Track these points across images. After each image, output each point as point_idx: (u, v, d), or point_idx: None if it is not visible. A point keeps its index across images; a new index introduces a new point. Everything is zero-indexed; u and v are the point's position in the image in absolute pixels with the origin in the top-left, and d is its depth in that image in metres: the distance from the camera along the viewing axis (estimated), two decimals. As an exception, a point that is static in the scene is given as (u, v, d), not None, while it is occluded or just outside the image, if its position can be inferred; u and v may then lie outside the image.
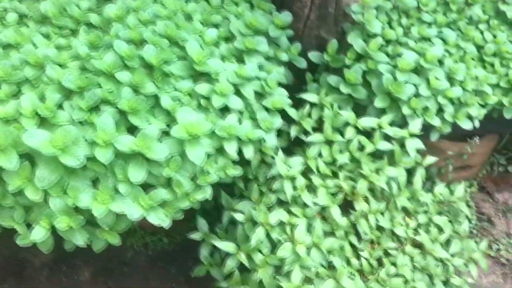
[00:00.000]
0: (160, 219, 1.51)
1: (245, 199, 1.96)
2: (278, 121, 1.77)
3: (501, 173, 2.74)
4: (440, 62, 2.10)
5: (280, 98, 1.79)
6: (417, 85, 2.00)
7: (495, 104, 2.16)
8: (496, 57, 2.24)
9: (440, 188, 2.09)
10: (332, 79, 2.09)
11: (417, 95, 2.00)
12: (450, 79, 2.09)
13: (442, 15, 2.25)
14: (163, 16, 1.81)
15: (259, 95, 1.82)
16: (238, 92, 1.73)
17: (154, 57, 1.61)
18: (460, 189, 2.10)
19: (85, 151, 1.41)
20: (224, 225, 1.99)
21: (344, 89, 2.04)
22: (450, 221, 2.07)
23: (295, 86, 2.20)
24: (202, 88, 1.64)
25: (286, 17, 2.08)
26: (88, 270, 2.34)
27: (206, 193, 1.62)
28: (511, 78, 2.16)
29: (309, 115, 2.05)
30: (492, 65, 2.21)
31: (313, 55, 2.18)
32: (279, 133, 2.09)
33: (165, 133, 1.56)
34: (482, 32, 2.29)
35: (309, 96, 2.05)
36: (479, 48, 2.26)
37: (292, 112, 1.99)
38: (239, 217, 1.89)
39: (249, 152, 1.69)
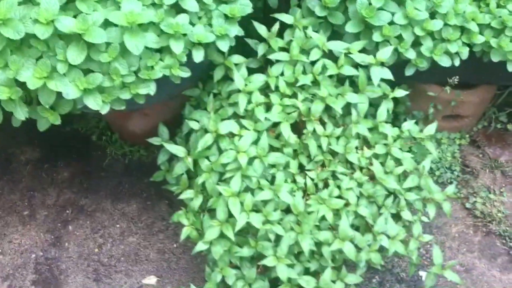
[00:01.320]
0: (97, 104, 1.58)
1: (205, 111, 2.00)
2: (234, 29, 1.77)
3: (498, 130, 2.61)
4: (426, -6, 2.00)
5: (241, 6, 1.78)
6: (393, 13, 1.93)
7: (482, 44, 2.05)
8: (495, -3, 2.11)
9: (408, 124, 2.02)
10: (311, 2, 2.05)
11: (392, 23, 1.93)
12: (433, 13, 1.99)
13: None
14: None
15: (223, 3, 1.81)
16: (197, -4, 1.74)
17: (113, -49, 1.64)
18: (431, 127, 2.02)
19: (27, 28, 1.48)
20: (183, 134, 2.04)
21: (319, 12, 2.00)
22: (415, 160, 2.01)
23: (281, 10, 2.18)
24: (157, -15, 1.67)
25: None
26: (68, 171, 2.48)
27: (150, 89, 1.66)
28: (504, 19, 2.03)
29: (281, 36, 2.03)
30: (488, 4, 2.09)
31: (296, -23, 2.13)
32: (252, 53, 2.08)
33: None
34: (483, -30, 2.15)
35: (283, 16, 2.03)
36: (478, -14, 2.13)
37: (260, 29, 1.99)
38: (193, 125, 1.93)
39: (199, 56, 1.72)
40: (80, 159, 2.51)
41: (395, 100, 2.23)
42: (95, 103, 1.58)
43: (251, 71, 2.01)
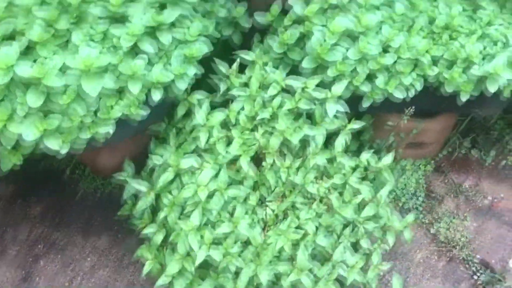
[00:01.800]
0: (57, 144, 1.64)
1: (169, 146, 2.06)
2: (193, 69, 1.84)
3: (462, 155, 2.68)
4: (379, 30, 2.09)
5: (199, 47, 1.85)
6: (347, 49, 2.02)
7: (436, 76, 2.13)
8: (447, 30, 2.20)
9: (366, 155, 2.09)
10: (271, 39, 2.14)
11: (346, 58, 2.01)
12: (387, 47, 2.08)
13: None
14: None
15: (183, 44, 1.89)
16: (156, 38, 1.81)
17: (74, -3, 1.72)
18: (387, 158, 2.09)
19: (-12, 75, 1.55)
20: (148, 169, 2.09)
21: (278, 49, 2.09)
22: (375, 189, 2.07)
23: (245, 48, 2.26)
24: (116, 29, 1.74)
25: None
26: (41, 206, 2.52)
27: (109, 128, 1.72)
28: (455, 51, 2.12)
29: (242, 72, 2.11)
30: (440, 37, 2.18)
31: (258, 15, 2.22)
32: (214, 89, 2.16)
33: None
34: (437, 5, 2.25)
35: (244, 54, 2.11)
36: (433, 20, 2.22)
37: (221, 67, 2.06)
38: (156, 160, 1.99)
39: (157, 96, 1.78)
40: (53, 194, 2.56)
41: (360, 129, 2.30)
42: (55, 144, 1.64)
43: (216, 105, 2.08)
